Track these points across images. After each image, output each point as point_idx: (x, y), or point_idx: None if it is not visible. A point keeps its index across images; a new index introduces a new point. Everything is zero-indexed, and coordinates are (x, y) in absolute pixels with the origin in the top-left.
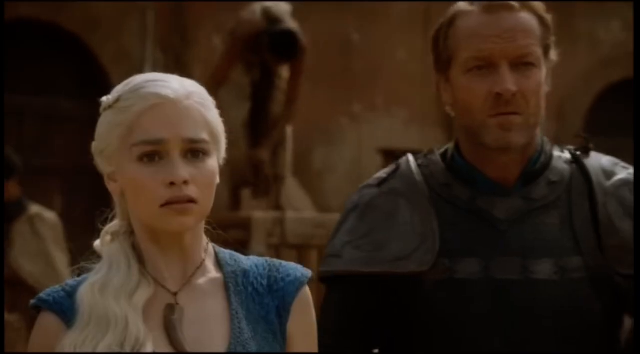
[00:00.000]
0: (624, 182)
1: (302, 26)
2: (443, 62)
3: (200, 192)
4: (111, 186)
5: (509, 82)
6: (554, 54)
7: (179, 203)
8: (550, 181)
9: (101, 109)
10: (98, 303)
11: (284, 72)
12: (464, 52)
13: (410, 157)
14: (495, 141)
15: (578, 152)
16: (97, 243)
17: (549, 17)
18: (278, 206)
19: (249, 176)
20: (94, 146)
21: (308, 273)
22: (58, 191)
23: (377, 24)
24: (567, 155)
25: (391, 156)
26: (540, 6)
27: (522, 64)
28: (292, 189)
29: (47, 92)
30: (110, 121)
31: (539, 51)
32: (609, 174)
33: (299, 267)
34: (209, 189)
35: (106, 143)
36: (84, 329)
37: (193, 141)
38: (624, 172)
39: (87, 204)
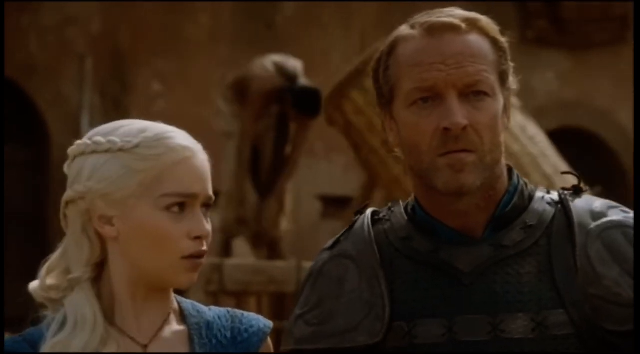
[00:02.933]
0: (615, 224)
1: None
2: (385, 96)
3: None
4: (105, 230)
5: (458, 114)
6: (513, 82)
7: (199, 258)
8: (527, 224)
9: (100, 148)
10: None
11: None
12: (406, 83)
13: (369, 211)
14: (445, 184)
15: (566, 192)
16: (39, 286)
17: (503, 40)
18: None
19: (256, 224)
20: (93, 186)
21: (270, 323)
22: None
23: (316, 70)
24: (553, 196)
25: (330, 202)
26: (492, 27)
27: (472, 93)
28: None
29: None
30: (128, 166)
31: (492, 78)
32: (597, 215)
33: (261, 318)
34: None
35: (117, 187)
36: None
37: (210, 198)
38: (620, 214)
39: (22, 247)
